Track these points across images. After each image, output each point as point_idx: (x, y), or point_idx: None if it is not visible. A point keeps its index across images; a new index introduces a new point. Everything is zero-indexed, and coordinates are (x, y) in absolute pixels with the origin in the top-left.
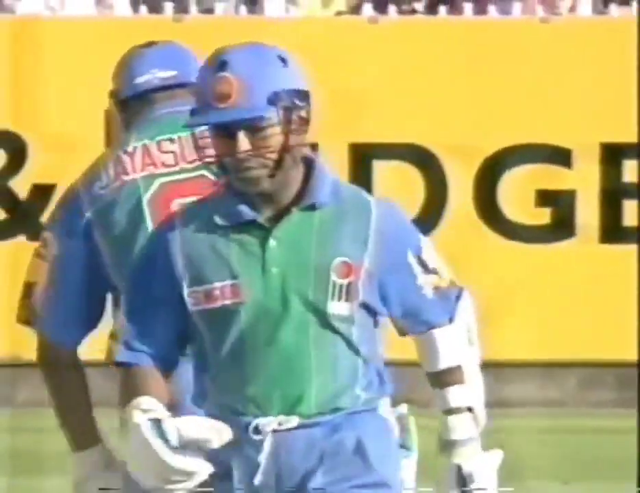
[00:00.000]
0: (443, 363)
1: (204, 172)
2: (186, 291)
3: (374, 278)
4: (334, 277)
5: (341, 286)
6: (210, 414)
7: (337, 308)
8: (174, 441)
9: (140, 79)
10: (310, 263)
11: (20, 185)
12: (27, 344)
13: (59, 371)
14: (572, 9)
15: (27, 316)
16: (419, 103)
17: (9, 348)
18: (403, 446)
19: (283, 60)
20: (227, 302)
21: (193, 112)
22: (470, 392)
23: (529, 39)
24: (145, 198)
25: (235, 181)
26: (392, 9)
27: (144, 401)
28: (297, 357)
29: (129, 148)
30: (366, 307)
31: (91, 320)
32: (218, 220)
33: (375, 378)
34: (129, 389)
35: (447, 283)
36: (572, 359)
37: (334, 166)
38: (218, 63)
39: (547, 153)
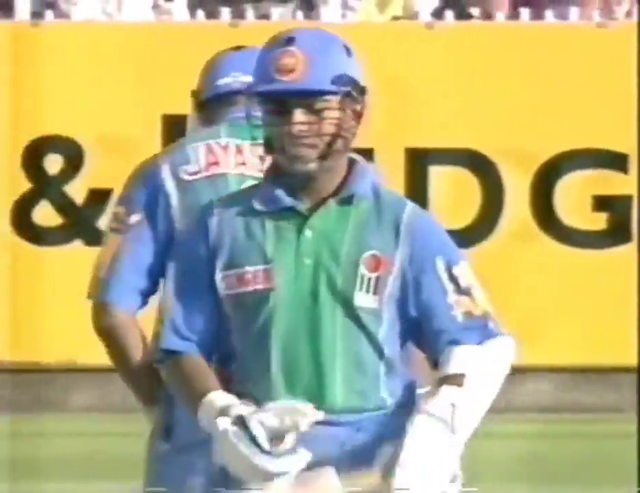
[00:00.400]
0: (452, 369)
1: None
2: (219, 275)
3: (407, 277)
4: (362, 270)
5: (369, 279)
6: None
7: (364, 300)
8: (265, 444)
9: (221, 81)
10: (342, 254)
11: (77, 190)
12: (82, 350)
13: (118, 334)
14: (629, 14)
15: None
16: (475, 109)
17: (66, 354)
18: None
19: (347, 50)
20: (259, 286)
21: (250, 87)
22: (462, 396)
23: (586, 44)
24: None
25: (283, 159)
26: (448, 14)
27: (216, 398)
28: (323, 348)
29: (222, 142)
30: (400, 307)
31: (147, 294)
32: (256, 205)
33: (402, 387)
34: (186, 380)
35: (480, 310)
36: (629, 364)
37: (389, 171)
38: (285, 39)
39: (604, 158)
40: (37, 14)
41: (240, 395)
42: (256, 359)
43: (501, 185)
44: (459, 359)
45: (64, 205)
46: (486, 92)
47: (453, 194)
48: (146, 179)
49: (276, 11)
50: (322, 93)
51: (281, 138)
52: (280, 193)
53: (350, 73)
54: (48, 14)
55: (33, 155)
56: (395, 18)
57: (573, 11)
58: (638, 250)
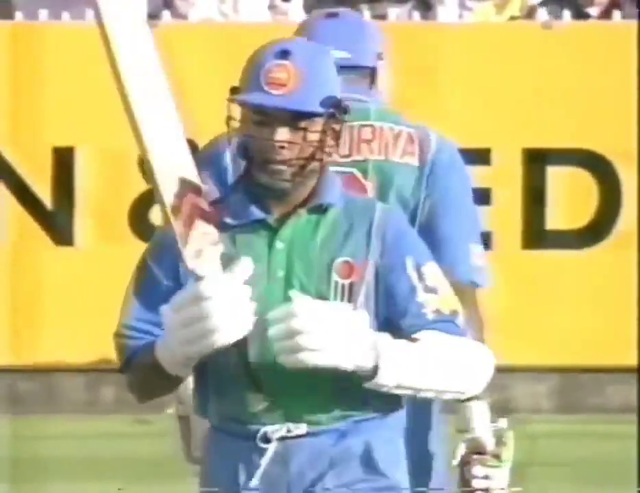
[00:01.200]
0: (409, 338)
1: (354, 170)
2: None
3: (380, 282)
4: (335, 277)
5: (343, 286)
6: (212, 424)
7: None
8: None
9: None
10: (314, 263)
11: None
12: None
13: None
14: None
15: None
16: (592, 108)
17: None
18: (496, 456)
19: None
20: None
21: (235, 91)
22: (407, 343)
23: None
24: None
25: (259, 171)
26: (566, 13)
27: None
28: None
29: None
30: (376, 314)
31: None
32: (226, 218)
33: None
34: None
35: (449, 309)
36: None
37: (507, 171)
38: (281, 51)
39: None
40: (154, 15)
41: (220, 414)
42: (236, 379)
43: (618, 185)
44: (420, 334)
45: None
46: (604, 92)
47: (570, 194)
48: (212, 164)
49: (392, 12)
50: (309, 115)
51: (260, 150)
52: (250, 206)
53: (337, 94)
54: (165, 15)
55: None
56: (513, 18)
57: None
58: (639, 250)
